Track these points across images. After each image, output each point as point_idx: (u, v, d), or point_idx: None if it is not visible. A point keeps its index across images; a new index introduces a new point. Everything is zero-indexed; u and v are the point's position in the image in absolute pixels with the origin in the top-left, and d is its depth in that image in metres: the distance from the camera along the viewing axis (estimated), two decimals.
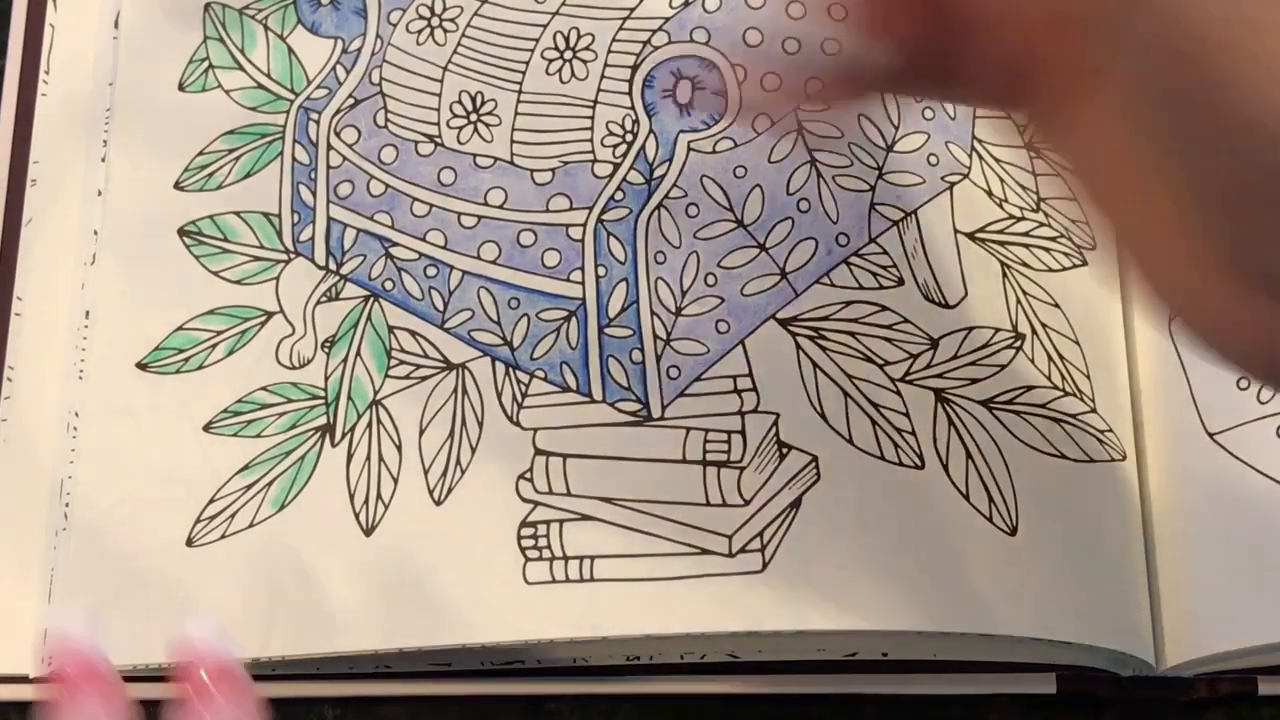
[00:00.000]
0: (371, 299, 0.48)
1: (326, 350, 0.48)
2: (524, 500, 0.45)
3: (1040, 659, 0.44)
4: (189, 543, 0.46)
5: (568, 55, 0.49)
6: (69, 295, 0.49)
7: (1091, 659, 0.44)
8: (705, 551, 0.44)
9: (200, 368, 0.47)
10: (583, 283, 0.47)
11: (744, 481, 0.44)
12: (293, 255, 0.49)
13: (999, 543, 0.44)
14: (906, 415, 0.45)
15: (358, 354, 0.47)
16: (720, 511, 0.44)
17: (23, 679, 0.46)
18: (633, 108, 0.48)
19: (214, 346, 0.48)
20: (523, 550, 0.45)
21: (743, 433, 0.45)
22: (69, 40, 0.52)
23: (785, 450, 0.45)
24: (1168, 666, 0.44)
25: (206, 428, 0.47)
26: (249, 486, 0.47)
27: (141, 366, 0.48)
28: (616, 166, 0.48)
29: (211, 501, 0.46)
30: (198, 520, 0.46)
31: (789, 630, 0.43)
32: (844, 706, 0.45)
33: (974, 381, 0.46)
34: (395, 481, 0.46)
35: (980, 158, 0.49)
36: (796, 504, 0.44)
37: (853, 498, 0.44)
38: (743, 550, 0.44)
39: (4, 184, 0.51)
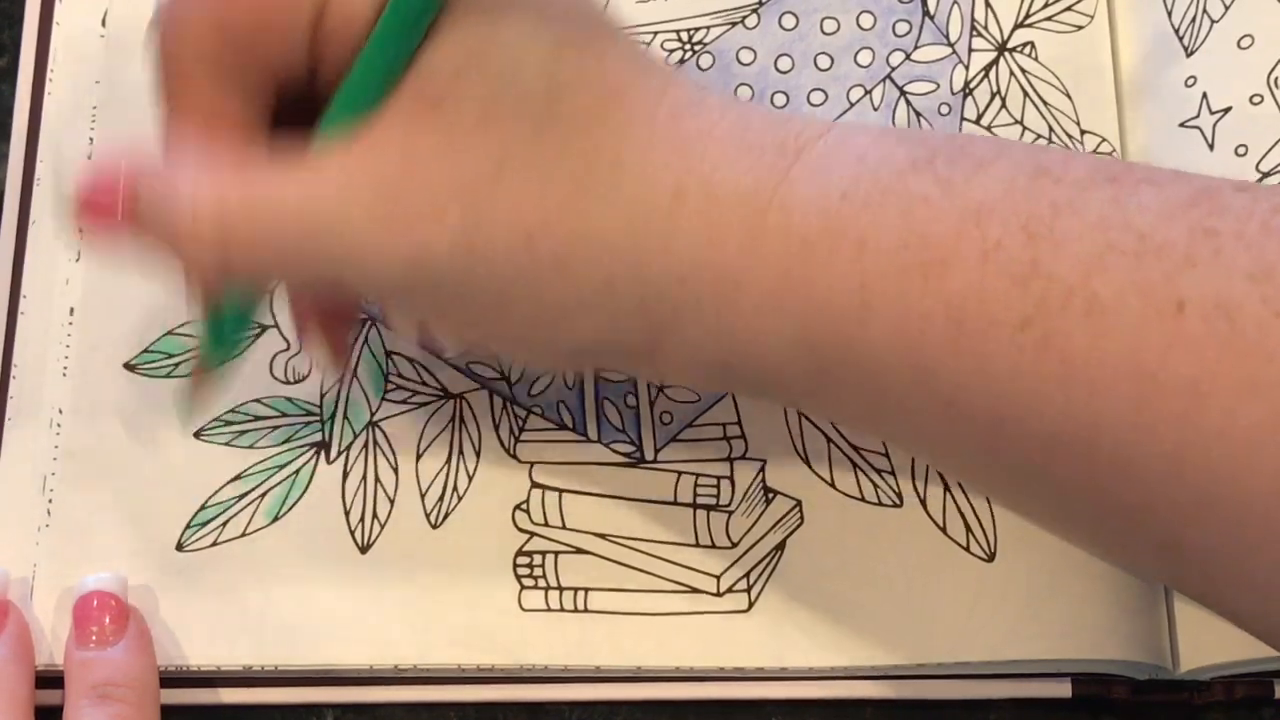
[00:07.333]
0: (369, 323, 0.49)
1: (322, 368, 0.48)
2: (520, 530, 0.46)
3: (1051, 668, 0.45)
4: (179, 547, 0.47)
5: None
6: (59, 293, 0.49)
7: (1105, 665, 0.45)
8: (694, 590, 0.46)
9: (190, 375, 0.47)
10: None
11: (732, 525, 0.46)
12: None
13: (977, 571, 0.45)
14: (886, 455, 0.47)
15: (354, 376, 0.48)
16: (709, 553, 0.46)
17: None
18: None
19: None
20: (519, 578, 0.46)
21: (731, 478, 0.47)
22: (67, 37, 0.51)
23: (771, 495, 0.47)
24: (1184, 670, 0.45)
25: (197, 435, 0.48)
26: (242, 496, 0.47)
27: (129, 368, 0.48)
28: None
29: (203, 508, 0.47)
30: (188, 526, 0.47)
31: (772, 668, 0.45)
32: (845, 708, 0.46)
33: None
34: (391, 502, 0.47)
35: None
36: (781, 547, 0.46)
37: (835, 539, 0.46)
38: (730, 590, 0.46)
39: (19, 182, 0.50)
